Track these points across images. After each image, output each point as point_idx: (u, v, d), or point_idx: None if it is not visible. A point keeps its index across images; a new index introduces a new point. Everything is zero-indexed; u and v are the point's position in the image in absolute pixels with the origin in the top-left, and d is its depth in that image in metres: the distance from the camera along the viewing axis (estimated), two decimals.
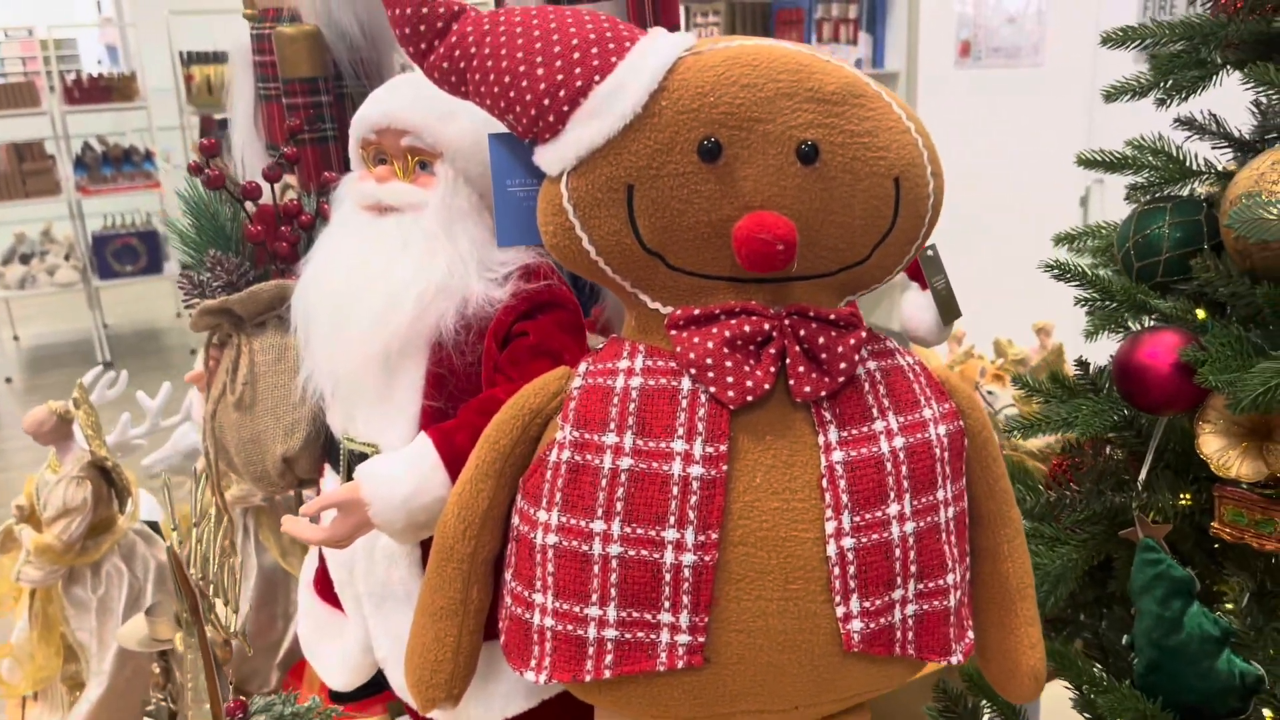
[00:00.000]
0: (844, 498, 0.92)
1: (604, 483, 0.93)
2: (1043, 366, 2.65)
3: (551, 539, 0.95)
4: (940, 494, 0.97)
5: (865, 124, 0.92)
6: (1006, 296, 3.21)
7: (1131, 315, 1.46)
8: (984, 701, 1.45)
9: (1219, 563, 1.24)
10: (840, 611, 0.92)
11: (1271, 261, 1.14)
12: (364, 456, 1.17)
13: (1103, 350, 1.51)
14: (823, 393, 0.92)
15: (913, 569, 0.95)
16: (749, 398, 0.91)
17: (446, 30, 0.98)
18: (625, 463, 0.92)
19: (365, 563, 1.21)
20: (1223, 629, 1.15)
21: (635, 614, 0.92)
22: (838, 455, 0.92)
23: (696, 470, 0.91)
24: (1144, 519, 1.21)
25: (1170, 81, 1.39)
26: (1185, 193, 1.45)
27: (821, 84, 0.91)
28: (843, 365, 0.93)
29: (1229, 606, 1.20)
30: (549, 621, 0.96)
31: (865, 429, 0.94)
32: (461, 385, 1.16)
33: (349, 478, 1.20)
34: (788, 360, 0.92)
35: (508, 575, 1.01)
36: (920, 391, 0.99)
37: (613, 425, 0.94)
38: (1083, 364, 1.39)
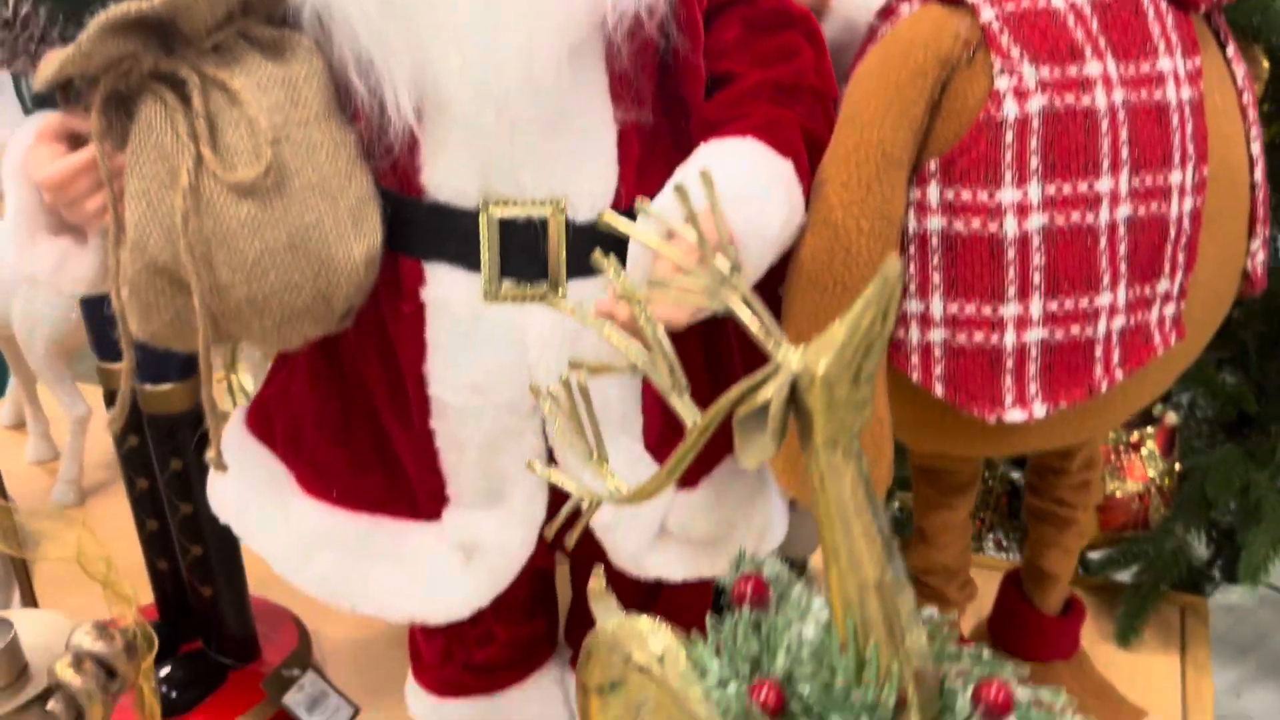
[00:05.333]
0: None
1: (1105, 126, 0.69)
2: None
3: (1036, 221, 0.69)
4: None
5: None
6: None
7: None
8: None
9: None
10: (1254, 245, 0.82)
11: None
12: (543, 223, 0.73)
13: None
14: None
15: None
16: None
17: None
18: (1119, 96, 0.70)
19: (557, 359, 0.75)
20: None
21: (1138, 289, 0.73)
22: None
23: (1185, 93, 0.72)
24: None
25: None
26: None
27: None
28: None
29: None
30: (1036, 334, 0.71)
31: None
32: (645, 83, 0.76)
33: (505, 269, 0.74)
34: None
35: (940, 302, 0.71)
36: None
37: (1087, 49, 0.69)
38: None
